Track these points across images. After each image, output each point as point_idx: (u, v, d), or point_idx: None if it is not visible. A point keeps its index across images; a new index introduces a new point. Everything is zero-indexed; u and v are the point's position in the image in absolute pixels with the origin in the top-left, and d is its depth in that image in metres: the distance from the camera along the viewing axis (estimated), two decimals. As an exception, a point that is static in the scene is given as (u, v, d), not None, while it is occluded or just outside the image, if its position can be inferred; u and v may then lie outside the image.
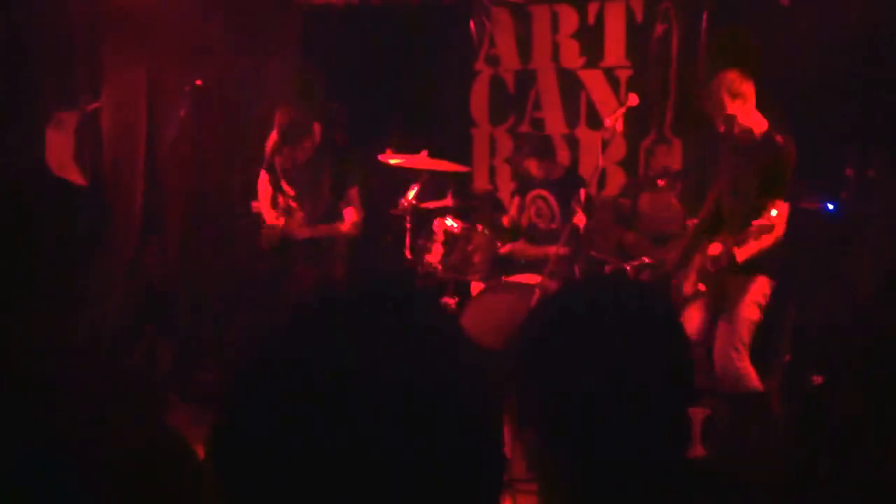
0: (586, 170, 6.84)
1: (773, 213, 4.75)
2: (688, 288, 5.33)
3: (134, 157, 6.79)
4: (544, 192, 6.62)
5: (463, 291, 6.57)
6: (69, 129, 6.00)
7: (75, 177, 5.90)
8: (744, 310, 5.12)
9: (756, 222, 4.78)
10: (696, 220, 5.62)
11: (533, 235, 6.62)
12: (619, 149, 7.04)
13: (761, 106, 5.15)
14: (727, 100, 5.03)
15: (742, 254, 4.92)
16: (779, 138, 5.06)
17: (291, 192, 6.44)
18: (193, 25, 6.79)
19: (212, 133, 7.13)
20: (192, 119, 6.29)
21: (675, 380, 1.45)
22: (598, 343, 1.44)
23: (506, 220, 6.90)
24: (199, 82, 6.29)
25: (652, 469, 1.44)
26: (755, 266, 5.04)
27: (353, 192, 6.37)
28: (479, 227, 6.39)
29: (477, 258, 6.34)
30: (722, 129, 5.12)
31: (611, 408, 1.41)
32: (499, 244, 6.47)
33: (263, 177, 6.53)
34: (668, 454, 1.47)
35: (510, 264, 6.42)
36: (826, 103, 6.03)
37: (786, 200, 4.97)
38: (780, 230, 4.95)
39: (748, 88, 5.06)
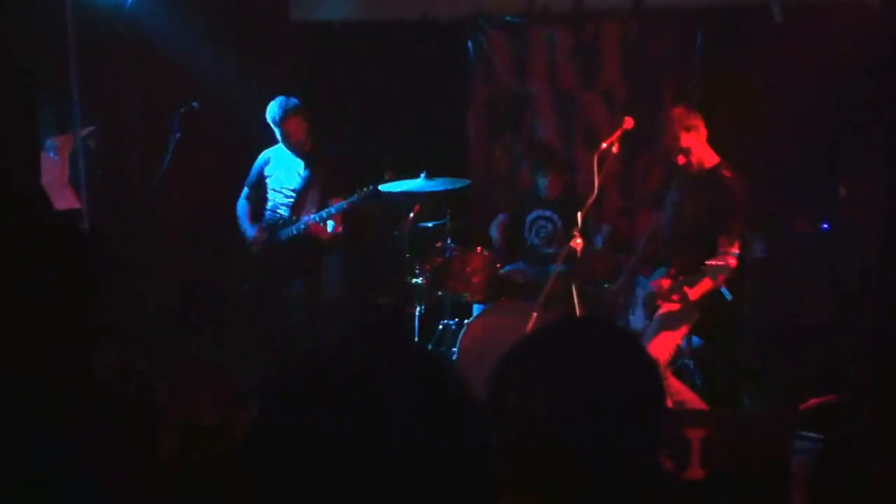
0: (583, 189, 6.83)
1: (735, 253, 4.82)
2: (637, 322, 5.35)
3: (129, 182, 6.80)
4: (548, 212, 6.63)
5: (462, 313, 6.56)
6: (63, 153, 6.01)
7: (70, 201, 5.90)
8: (674, 334, 5.15)
9: (710, 262, 4.83)
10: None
11: (531, 257, 6.62)
12: (615, 168, 7.04)
13: (713, 141, 5.23)
14: (682, 133, 5.13)
15: (695, 293, 4.97)
16: (726, 173, 5.12)
17: (279, 202, 6.46)
18: (187, 46, 6.81)
19: (207, 153, 7.14)
20: (186, 141, 6.30)
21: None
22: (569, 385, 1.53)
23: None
24: (194, 104, 6.31)
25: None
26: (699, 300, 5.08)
27: (336, 202, 6.36)
28: (478, 249, 6.38)
29: (476, 279, 6.33)
30: (681, 161, 5.21)
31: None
32: (497, 265, 6.47)
33: (245, 193, 6.61)
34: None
35: (509, 285, 6.41)
36: (818, 120, 6.05)
37: (735, 239, 5.03)
38: (731, 266, 5.00)
39: (698, 122, 5.15)
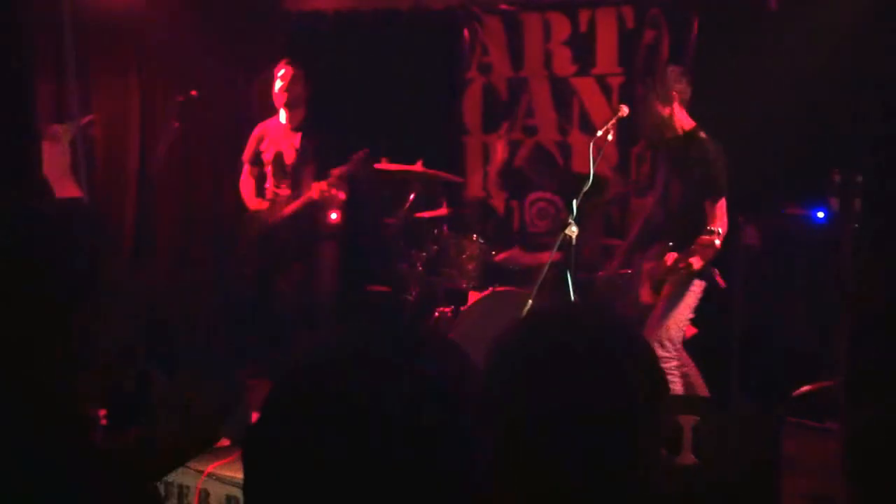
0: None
1: (719, 230, 4.84)
2: (645, 297, 5.40)
3: (127, 169, 6.83)
4: (546, 195, 6.67)
5: (457, 300, 6.61)
6: (65, 141, 6.04)
7: (72, 190, 5.93)
8: (679, 309, 5.21)
9: (701, 239, 4.86)
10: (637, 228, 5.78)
11: (527, 243, 6.66)
12: (611, 155, 7.07)
13: (690, 107, 5.29)
14: (659, 104, 5.19)
15: (697, 262, 5.01)
16: (702, 135, 5.19)
17: (277, 180, 6.44)
18: (184, 35, 6.82)
19: (204, 143, 7.16)
20: (184, 129, 6.31)
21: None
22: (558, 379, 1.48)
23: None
24: (193, 93, 6.32)
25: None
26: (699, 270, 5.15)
27: (338, 172, 6.35)
28: (473, 236, 6.43)
29: (471, 266, 6.38)
30: (658, 131, 5.27)
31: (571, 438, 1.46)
32: (493, 252, 6.52)
33: (246, 169, 6.55)
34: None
35: (504, 273, 6.46)
36: (814, 107, 6.07)
37: (719, 198, 5.09)
38: (722, 227, 5.05)
39: (681, 87, 5.19)
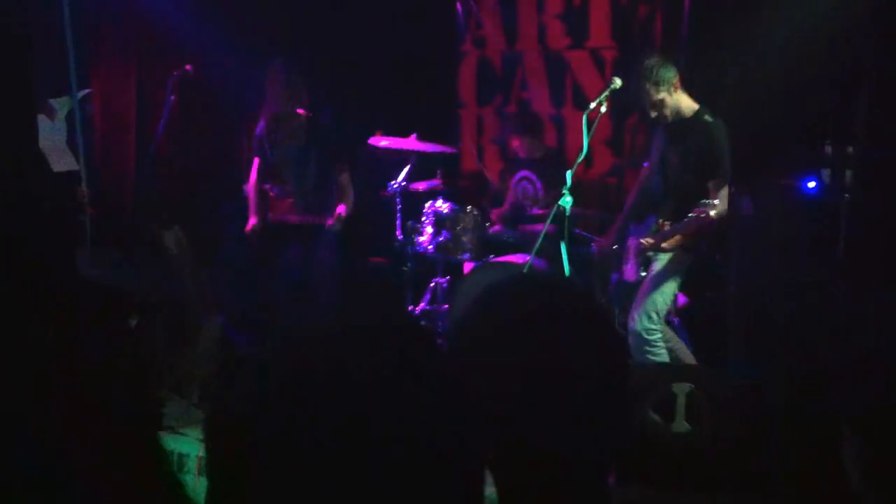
0: (573, 150, 6.90)
1: (717, 201, 4.86)
2: (630, 274, 5.45)
3: (125, 143, 6.84)
4: (529, 173, 6.72)
5: (453, 271, 6.66)
6: (62, 115, 6.04)
7: (68, 163, 5.94)
8: (668, 282, 5.25)
9: (695, 211, 4.88)
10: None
11: (521, 216, 6.71)
12: (604, 128, 7.11)
13: (689, 88, 5.30)
14: (651, 88, 5.18)
15: (687, 236, 5.06)
16: (707, 118, 5.20)
17: (281, 179, 6.44)
18: (181, 10, 6.83)
19: (202, 117, 7.17)
20: (180, 104, 6.33)
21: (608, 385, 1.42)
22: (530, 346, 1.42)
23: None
24: (188, 67, 6.33)
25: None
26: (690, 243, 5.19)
27: (345, 178, 6.39)
28: (468, 208, 6.47)
29: (466, 238, 6.43)
30: (653, 114, 5.27)
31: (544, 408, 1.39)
32: (487, 224, 6.57)
33: (256, 163, 6.54)
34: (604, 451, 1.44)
35: (499, 244, 6.51)
36: (806, 80, 6.10)
37: (723, 180, 5.12)
38: (722, 208, 5.08)
39: (670, 74, 5.20)
